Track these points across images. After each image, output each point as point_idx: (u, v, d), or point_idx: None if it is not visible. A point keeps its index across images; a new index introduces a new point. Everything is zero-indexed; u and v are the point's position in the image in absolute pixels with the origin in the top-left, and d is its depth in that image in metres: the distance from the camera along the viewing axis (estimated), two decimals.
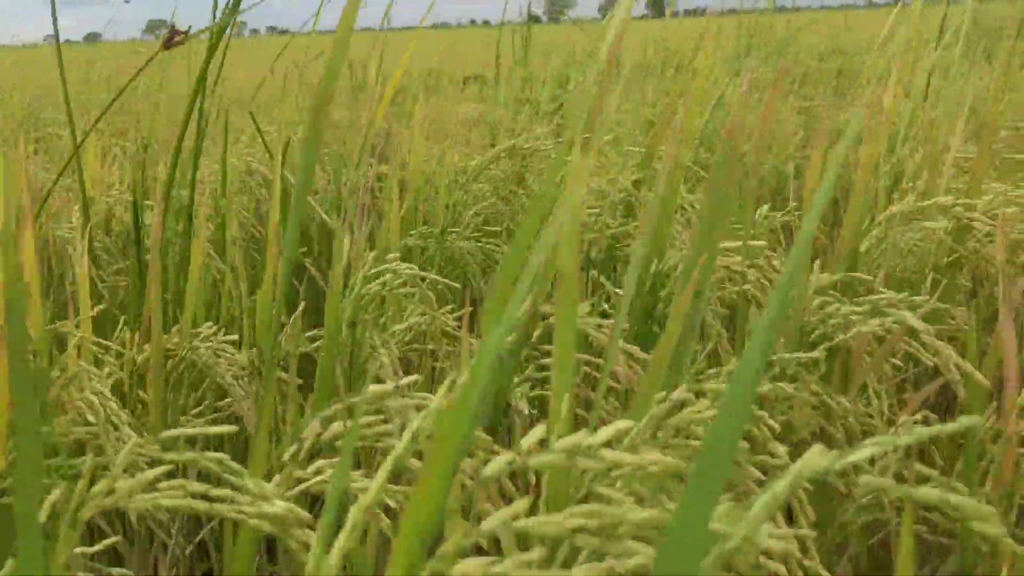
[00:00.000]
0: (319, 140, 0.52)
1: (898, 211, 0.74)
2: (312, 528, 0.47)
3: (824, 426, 0.58)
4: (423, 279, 0.74)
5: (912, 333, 0.54)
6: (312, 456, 0.62)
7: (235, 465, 0.49)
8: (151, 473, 0.45)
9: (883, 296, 0.56)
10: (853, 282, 0.60)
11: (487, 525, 0.35)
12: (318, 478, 0.61)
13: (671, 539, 0.28)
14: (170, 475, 0.46)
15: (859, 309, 0.56)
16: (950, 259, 0.75)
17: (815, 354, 0.56)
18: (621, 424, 0.32)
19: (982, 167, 0.84)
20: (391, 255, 0.74)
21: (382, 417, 0.64)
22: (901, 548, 0.42)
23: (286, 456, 0.62)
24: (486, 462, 0.68)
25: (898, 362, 0.65)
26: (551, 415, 0.46)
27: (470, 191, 1.00)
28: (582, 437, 0.31)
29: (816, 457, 0.37)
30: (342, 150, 1.29)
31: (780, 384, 0.55)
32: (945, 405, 0.96)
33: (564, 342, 0.45)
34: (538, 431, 0.37)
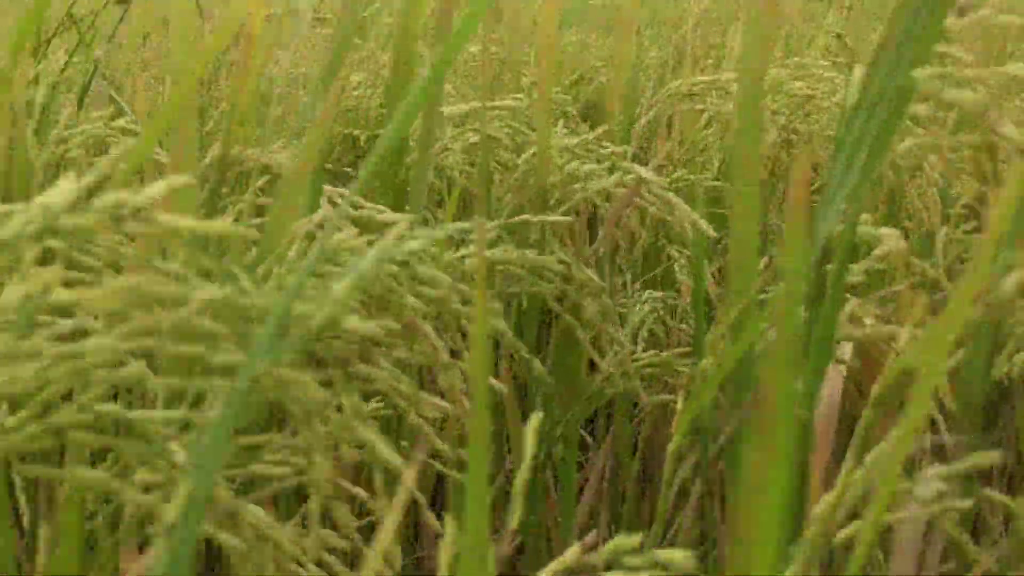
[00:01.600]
0: None
1: (675, 87, 0.72)
2: None
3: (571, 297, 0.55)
4: None
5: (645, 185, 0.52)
6: None
7: None
8: None
9: (617, 150, 0.53)
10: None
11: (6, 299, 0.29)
12: None
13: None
14: None
15: (595, 166, 0.53)
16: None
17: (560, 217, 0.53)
18: (178, 179, 0.27)
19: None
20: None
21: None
22: None
23: None
24: None
25: None
26: None
27: None
28: (127, 196, 0.27)
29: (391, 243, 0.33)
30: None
31: (524, 251, 0.52)
32: None
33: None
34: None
